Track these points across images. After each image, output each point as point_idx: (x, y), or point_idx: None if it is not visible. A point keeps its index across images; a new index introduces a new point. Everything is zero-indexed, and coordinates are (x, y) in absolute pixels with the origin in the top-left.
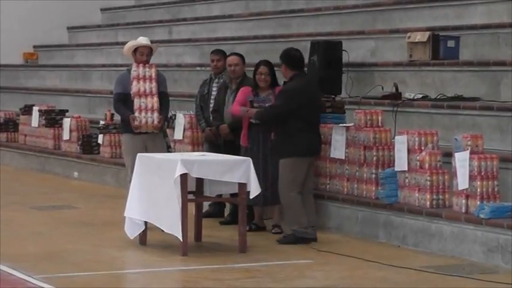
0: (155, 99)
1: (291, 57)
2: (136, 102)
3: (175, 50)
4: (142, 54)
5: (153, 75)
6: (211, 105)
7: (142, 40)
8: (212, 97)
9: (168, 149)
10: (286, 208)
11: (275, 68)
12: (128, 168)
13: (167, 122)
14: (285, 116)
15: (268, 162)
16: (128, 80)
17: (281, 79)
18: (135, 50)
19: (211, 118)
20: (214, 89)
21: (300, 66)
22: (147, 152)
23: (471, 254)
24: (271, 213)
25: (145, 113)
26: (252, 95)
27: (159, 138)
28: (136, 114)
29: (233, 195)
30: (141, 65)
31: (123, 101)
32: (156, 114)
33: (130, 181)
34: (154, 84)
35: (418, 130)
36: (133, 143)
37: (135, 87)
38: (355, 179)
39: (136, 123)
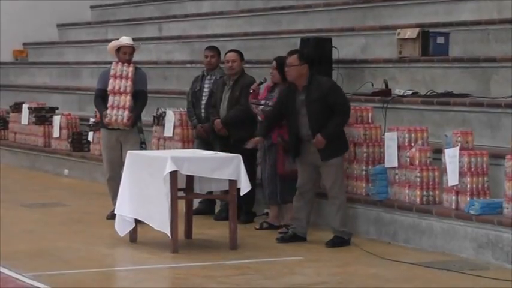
0: (128, 97)
1: (309, 57)
2: (110, 99)
3: (166, 47)
4: (125, 54)
5: (130, 74)
6: (203, 102)
7: (125, 40)
8: (204, 94)
9: (141, 145)
10: (340, 209)
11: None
12: (104, 162)
13: (157, 119)
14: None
15: (266, 161)
16: (108, 76)
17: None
18: (118, 49)
19: (203, 114)
20: (206, 85)
21: None
22: (121, 147)
23: (461, 250)
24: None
25: (117, 110)
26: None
27: (132, 134)
28: (108, 111)
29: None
30: (119, 63)
31: (102, 97)
32: (126, 113)
33: (106, 174)
34: (129, 83)
35: (408, 126)
36: (108, 138)
37: (110, 85)
38: (345, 176)
39: (106, 119)
